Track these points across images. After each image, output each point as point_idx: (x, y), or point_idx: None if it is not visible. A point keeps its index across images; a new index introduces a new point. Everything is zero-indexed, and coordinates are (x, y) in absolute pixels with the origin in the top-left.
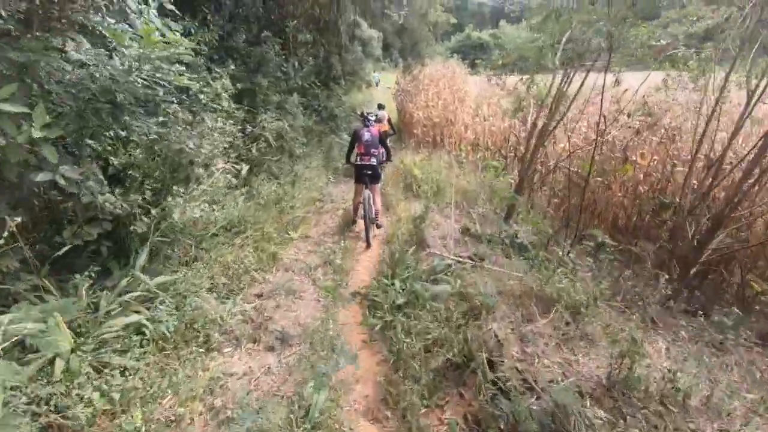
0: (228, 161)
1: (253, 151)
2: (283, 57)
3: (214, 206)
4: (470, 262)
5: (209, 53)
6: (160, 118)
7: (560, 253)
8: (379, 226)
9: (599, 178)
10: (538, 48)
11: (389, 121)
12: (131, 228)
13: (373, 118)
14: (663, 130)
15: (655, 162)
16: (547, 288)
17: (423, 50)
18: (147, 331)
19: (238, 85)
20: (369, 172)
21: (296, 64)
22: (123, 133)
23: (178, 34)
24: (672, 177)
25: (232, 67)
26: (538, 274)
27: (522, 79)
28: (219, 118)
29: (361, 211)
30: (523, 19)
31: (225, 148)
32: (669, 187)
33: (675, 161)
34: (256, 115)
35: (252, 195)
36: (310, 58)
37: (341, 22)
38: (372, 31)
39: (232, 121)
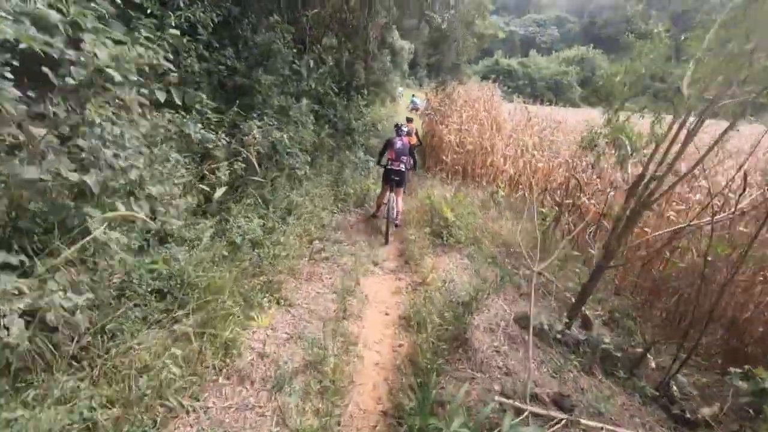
0: (175, 185)
1: (219, 174)
2: (296, 52)
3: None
4: (556, 415)
5: (207, 37)
6: None
7: (651, 366)
8: (397, 226)
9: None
10: (717, 65)
11: (416, 133)
12: None
13: (406, 129)
14: None
15: None
16: None
17: (463, 65)
18: None
19: (166, 60)
20: (397, 178)
21: (311, 63)
22: None
23: None
24: None
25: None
26: None
27: (629, 114)
28: (140, 119)
29: (383, 211)
30: (553, 50)
31: (183, 163)
32: None
33: None
34: (247, 119)
35: (225, 229)
36: (329, 58)
37: (371, 27)
38: (403, 42)
39: (200, 126)
